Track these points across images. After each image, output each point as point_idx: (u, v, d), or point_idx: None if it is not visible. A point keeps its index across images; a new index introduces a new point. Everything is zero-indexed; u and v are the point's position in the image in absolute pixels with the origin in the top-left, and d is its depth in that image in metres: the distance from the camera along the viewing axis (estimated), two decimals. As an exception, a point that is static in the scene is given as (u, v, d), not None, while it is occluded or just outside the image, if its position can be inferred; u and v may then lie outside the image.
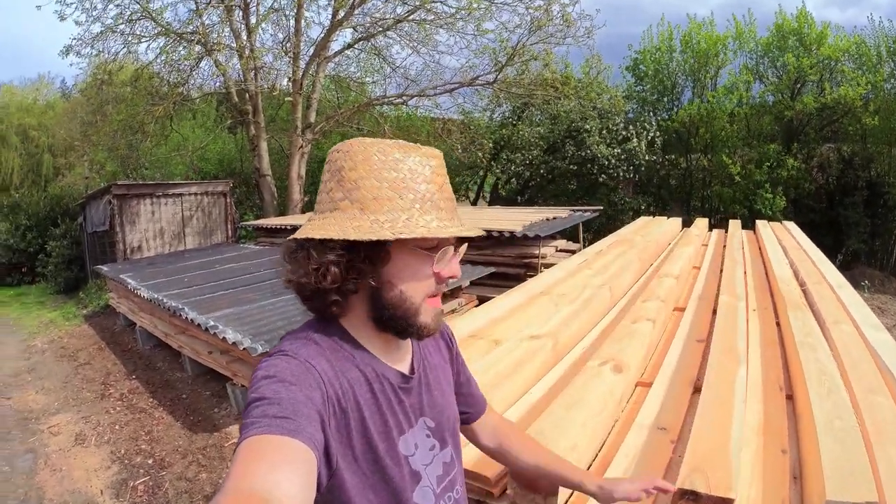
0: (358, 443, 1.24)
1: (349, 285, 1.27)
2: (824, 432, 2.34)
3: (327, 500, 1.20)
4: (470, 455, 2.42)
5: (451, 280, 1.39)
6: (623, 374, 3.09)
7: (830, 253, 19.23)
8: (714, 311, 4.51)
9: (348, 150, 1.30)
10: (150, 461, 6.52)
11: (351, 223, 1.24)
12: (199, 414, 7.49)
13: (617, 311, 4.79)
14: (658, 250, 7.42)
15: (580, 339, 4.04)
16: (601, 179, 19.82)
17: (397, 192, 1.27)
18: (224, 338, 6.61)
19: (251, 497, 0.89)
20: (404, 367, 1.44)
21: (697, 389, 3.05)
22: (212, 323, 7.01)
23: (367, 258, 1.26)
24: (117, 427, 7.41)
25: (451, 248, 1.36)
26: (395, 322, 1.33)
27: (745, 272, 5.96)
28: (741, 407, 2.64)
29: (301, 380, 1.15)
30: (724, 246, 7.65)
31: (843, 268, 18.47)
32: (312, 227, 1.27)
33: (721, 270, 6.06)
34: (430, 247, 1.31)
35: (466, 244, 1.45)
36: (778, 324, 4.33)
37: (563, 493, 2.20)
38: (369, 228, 1.22)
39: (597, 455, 2.56)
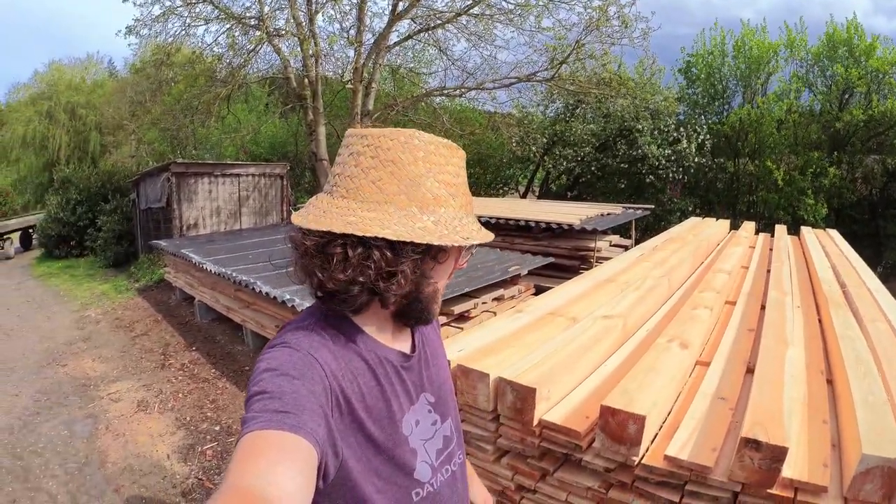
0: (362, 431, 1.27)
1: (408, 287, 1.30)
2: (860, 405, 2.57)
3: (335, 488, 1.23)
4: (559, 411, 2.80)
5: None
6: (688, 351, 3.41)
7: (870, 264, 19.02)
8: (763, 306, 4.72)
9: (407, 142, 1.28)
10: (216, 428, 6.64)
11: (413, 223, 1.24)
12: (263, 385, 7.66)
13: (675, 299, 5.09)
14: (709, 249, 7.68)
15: (645, 322, 4.37)
16: (650, 179, 19.89)
17: (451, 194, 1.31)
18: (303, 309, 6.77)
19: (249, 495, 0.91)
20: (406, 347, 1.49)
21: (750, 370, 3.37)
22: (287, 297, 7.24)
23: (432, 260, 1.32)
24: (181, 395, 7.53)
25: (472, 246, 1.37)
26: (420, 314, 1.41)
27: (790, 273, 6.16)
28: (790, 382, 2.96)
29: (304, 373, 1.17)
30: (771, 249, 7.79)
31: (883, 279, 18.28)
32: (365, 220, 1.23)
33: (768, 270, 6.26)
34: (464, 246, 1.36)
35: None
36: (820, 320, 4.56)
37: (643, 445, 2.50)
38: (436, 231, 1.25)
39: (667, 416, 2.84)
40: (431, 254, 1.30)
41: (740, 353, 3.67)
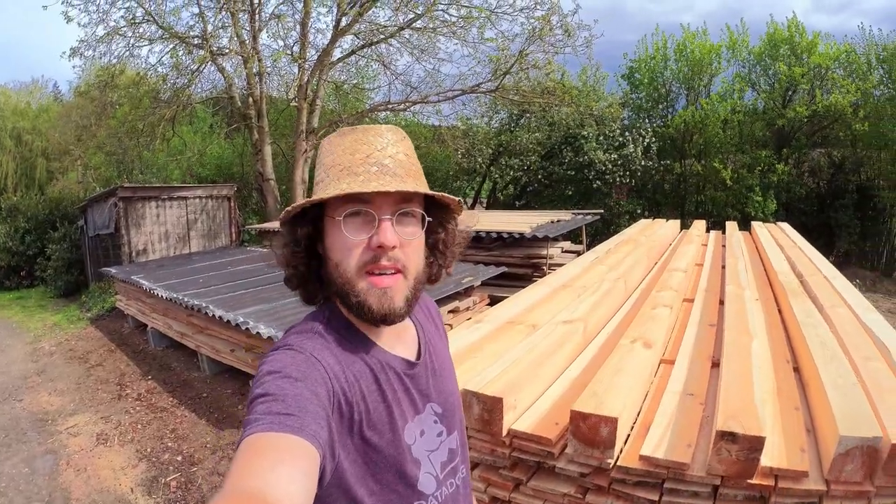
0: (361, 435, 1.26)
1: (296, 262, 1.36)
2: (831, 388, 2.64)
3: (328, 491, 1.20)
4: (528, 419, 2.78)
5: (382, 250, 1.28)
6: (651, 350, 3.44)
7: (823, 254, 19.49)
8: (721, 302, 4.82)
9: (322, 142, 1.41)
10: (178, 458, 6.53)
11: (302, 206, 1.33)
12: (223, 411, 7.58)
13: (632, 301, 5.18)
14: (662, 249, 7.83)
15: (604, 325, 4.42)
16: (597, 185, 20.01)
17: (327, 173, 1.32)
18: (257, 332, 6.74)
19: (250, 497, 0.90)
20: (410, 354, 1.47)
21: (715, 364, 3.43)
22: (241, 319, 7.14)
23: (304, 235, 1.34)
24: (139, 426, 7.40)
25: (374, 214, 1.28)
26: (344, 300, 1.33)
27: (745, 267, 6.20)
28: (759, 372, 2.99)
29: (306, 375, 1.17)
30: (724, 245, 7.93)
31: (836, 268, 18.77)
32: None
33: (723, 266, 6.40)
34: (350, 213, 1.28)
35: (415, 214, 1.35)
36: (780, 310, 4.68)
37: (616, 446, 2.49)
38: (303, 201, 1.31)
39: (638, 416, 2.84)
40: (302, 227, 1.34)
41: (704, 349, 3.73)
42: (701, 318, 4.44)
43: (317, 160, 1.38)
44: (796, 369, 3.39)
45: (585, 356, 3.70)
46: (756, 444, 2.24)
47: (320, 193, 1.27)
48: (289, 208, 1.31)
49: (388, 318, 1.32)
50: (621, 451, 2.54)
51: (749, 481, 2.30)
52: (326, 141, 1.37)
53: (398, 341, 1.45)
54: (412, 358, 1.46)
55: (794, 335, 3.86)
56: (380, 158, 1.31)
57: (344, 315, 1.37)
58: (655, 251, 7.32)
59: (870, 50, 19.49)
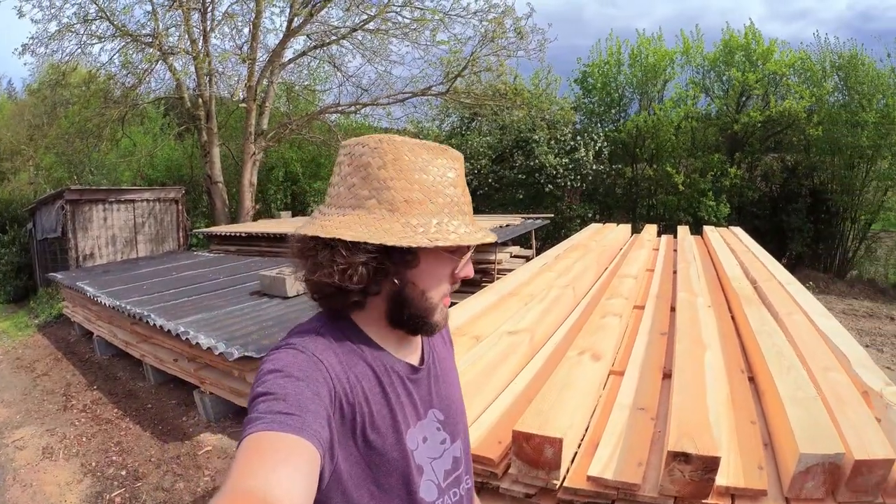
0: (363, 437, 1.24)
1: (374, 287, 1.28)
2: (790, 402, 2.57)
3: (325, 493, 1.19)
4: (471, 437, 2.63)
5: (461, 281, 1.41)
6: (600, 363, 3.32)
7: (775, 257, 19.68)
8: (672, 308, 4.73)
9: (376, 147, 1.28)
10: (123, 472, 6.40)
11: (380, 225, 1.23)
12: (167, 423, 7.44)
13: (581, 309, 5.05)
14: (612, 254, 7.78)
15: (552, 334, 4.29)
16: (548, 188, 20.08)
17: (427, 196, 1.27)
18: (197, 343, 6.59)
19: (250, 497, 0.89)
20: (414, 360, 1.45)
21: (667, 375, 3.32)
22: (182, 329, 7.00)
23: (397, 261, 1.27)
24: (84, 439, 7.26)
25: (469, 251, 1.38)
26: (412, 321, 1.35)
27: (697, 273, 6.17)
28: (713, 384, 2.91)
29: (309, 375, 1.15)
30: (675, 250, 7.88)
31: (788, 271, 18.99)
32: (335, 224, 1.25)
33: (675, 272, 6.34)
34: (453, 250, 1.33)
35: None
36: (733, 317, 4.61)
37: (563, 466, 2.38)
38: (402, 232, 1.22)
39: (585, 434, 2.73)
40: (398, 256, 1.26)
41: (655, 360, 3.63)
42: (652, 326, 4.34)
43: (387, 161, 1.27)
44: (751, 379, 3.33)
45: (532, 368, 3.59)
46: (711, 464, 2.16)
47: (447, 232, 1.27)
48: (394, 231, 1.23)
49: (442, 329, 1.44)
50: (568, 471, 2.45)
51: (705, 502, 2.21)
52: (408, 149, 1.29)
53: (403, 346, 1.43)
54: (416, 363, 1.45)
55: (749, 344, 3.80)
56: (467, 191, 1.38)
57: (348, 317, 1.36)
58: (605, 256, 7.26)
59: (825, 57, 19.76)
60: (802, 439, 2.23)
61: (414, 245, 1.21)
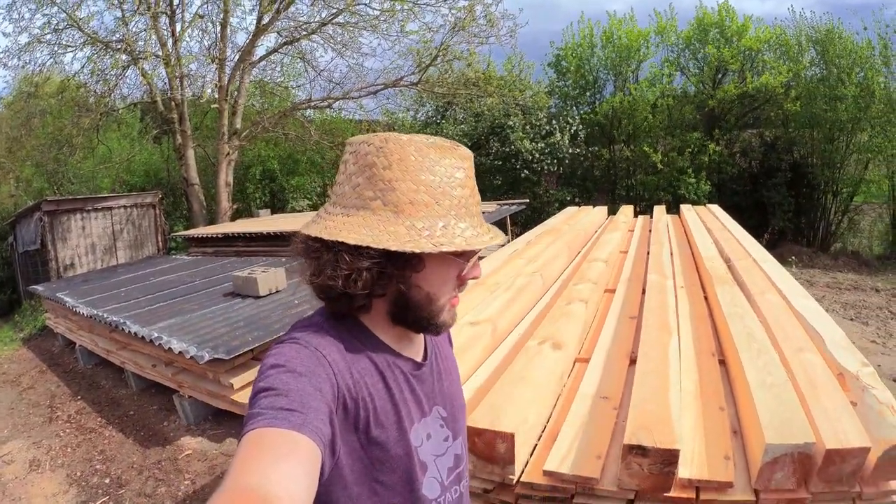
0: (367, 434, 1.24)
1: (378, 290, 1.26)
2: (759, 387, 2.52)
3: (325, 488, 1.18)
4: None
5: (468, 282, 1.39)
6: (562, 351, 3.28)
7: (757, 232, 19.65)
8: (644, 291, 4.69)
9: (381, 147, 1.25)
10: (107, 480, 6.45)
11: (384, 227, 1.21)
12: (148, 429, 7.47)
13: (550, 295, 4.94)
14: (586, 238, 7.65)
15: (517, 324, 4.19)
16: (525, 174, 20.15)
17: (434, 198, 1.24)
18: (169, 348, 6.63)
19: (251, 493, 0.89)
20: (417, 356, 1.44)
21: (634, 361, 3.27)
22: (155, 335, 7.03)
23: (402, 266, 1.25)
24: (69, 449, 7.31)
25: (473, 252, 1.33)
26: (417, 321, 1.34)
27: (671, 253, 6.13)
28: (676, 372, 2.88)
29: (311, 370, 1.14)
30: (650, 231, 7.82)
31: (770, 246, 18.93)
32: (339, 225, 1.23)
33: (648, 253, 6.25)
34: (460, 253, 1.29)
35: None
36: (706, 298, 4.51)
37: (520, 461, 2.36)
38: (406, 236, 1.20)
39: (546, 426, 2.71)
40: (402, 260, 1.24)
41: (622, 345, 3.58)
42: (622, 310, 4.31)
43: (393, 162, 1.23)
44: (722, 362, 3.28)
45: (493, 360, 3.48)
46: (669, 457, 2.13)
47: (453, 236, 1.24)
48: (399, 234, 1.20)
49: (447, 328, 1.41)
50: (526, 465, 2.44)
51: (667, 495, 2.20)
52: (415, 149, 1.25)
53: (406, 342, 1.41)
54: (419, 359, 1.44)
55: (721, 326, 3.72)
56: (475, 191, 1.34)
57: (352, 314, 1.34)
58: (578, 241, 7.14)
59: (800, 31, 19.79)
60: (770, 428, 2.18)
61: (417, 250, 1.19)
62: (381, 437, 1.25)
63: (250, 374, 6.51)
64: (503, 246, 8.78)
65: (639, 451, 2.14)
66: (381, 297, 1.29)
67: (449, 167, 1.26)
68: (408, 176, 1.22)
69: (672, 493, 2.19)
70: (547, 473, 2.30)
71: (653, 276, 4.87)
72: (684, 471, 2.21)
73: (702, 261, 5.48)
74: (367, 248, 1.18)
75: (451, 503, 1.45)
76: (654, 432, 2.20)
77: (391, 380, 1.31)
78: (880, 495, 2.15)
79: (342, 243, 1.19)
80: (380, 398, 1.27)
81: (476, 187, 1.34)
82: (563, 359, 3.27)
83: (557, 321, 3.82)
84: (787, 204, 19.35)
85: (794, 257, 16.86)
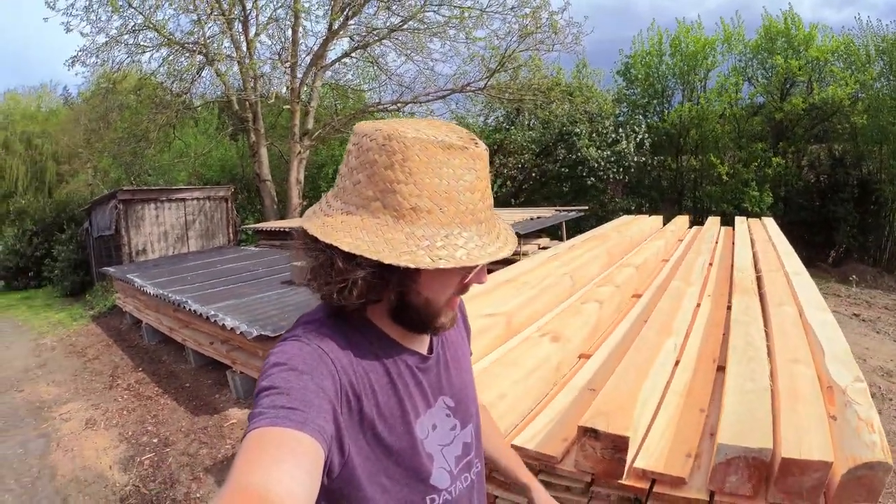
0: (372, 429, 1.22)
1: (374, 296, 1.21)
2: (734, 392, 2.55)
3: (337, 486, 1.19)
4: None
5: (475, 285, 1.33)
6: (560, 344, 3.39)
7: (823, 249, 19.43)
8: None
9: (384, 145, 1.15)
10: (155, 440, 6.89)
11: (382, 233, 1.14)
12: (200, 399, 7.88)
13: (577, 297, 4.88)
14: (631, 246, 7.52)
15: (536, 320, 4.21)
16: (591, 181, 20.14)
17: (437, 204, 1.15)
18: (223, 325, 7.05)
19: (252, 493, 0.89)
20: (422, 348, 1.41)
21: (630, 360, 3.24)
22: (212, 312, 7.49)
23: (399, 274, 1.18)
24: (125, 412, 7.76)
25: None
26: (415, 323, 1.31)
27: (710, 263, 6.13)
28: (660, 371, 2.95)
29: (313, 368, 1.13)
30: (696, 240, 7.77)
31: (835, 264, 18.66)
32: (336, 224, 1.18)
33: (682, 262, 6.18)
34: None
35: None
36: (729, 307, 4.40)
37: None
38: (404, 245, 1.12)
39: (531, 410, 2.86)
40: (399, 269, 1.15)
41: (625, 345, 3.59)
42: (640, 314, 4.38)
43: (395, 161, 1.14)
44: (722, 368, 3.20)
45: (500, 351, 3.51)
46: (619, 443, 2.18)
47: (455, 248, 1.16)
48: (396, 242, 1.13)
49: (448, 330, 1.38)
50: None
51: (620, 482, 2.24)
52: (420, 148, 1.15)
53: (410, 335, 1.37)
54: (424, 351, 1.40)
55: (727, 333, 3.68)
56: (487, 193, 1.25)
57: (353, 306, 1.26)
58: (622, 248, 7.06)
59: (869, 41, 19.38)
60: (728, 430, 2.18)
61: (412, 265, 1.12)
62: (386, 432, 1.25)
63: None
64: (546, 248, 8.86)
65: (592, 434, 2.21)
66: (377, 302, 1.24)
67: (457, 169, 1.17)
68: (410, 178, 1.14)
69: (627, 481, 2.23)
70: (514, 447, 2.39)
71: (676, 283, 4.85)
72: (640, 461, 2.26)
73: (735, 272, 5.44)
74: (362, 256, 1.13)
75: (462, 491, 1.44)
76: (610, 418, 2.26)
77: (395, 374, 1.30)
78: (849, 518, 2.03)
79: (336, 247, 1.14)
80: (384, 393, 1.25)
81: (488, 189, 1.25)
82: (559, 350, 3.34)
83: (566, 318, 3.91)
84: (853, 220, 18.93)
85: (855, 276, 16.39)
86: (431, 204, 1.15)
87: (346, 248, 1.12)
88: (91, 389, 8.84)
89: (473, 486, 1.49)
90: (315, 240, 1.18)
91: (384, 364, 1.28)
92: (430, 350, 1.42)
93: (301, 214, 17.57)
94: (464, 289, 1.31)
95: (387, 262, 1.10)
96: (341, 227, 1.16)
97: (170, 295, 8.94)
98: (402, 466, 1.28)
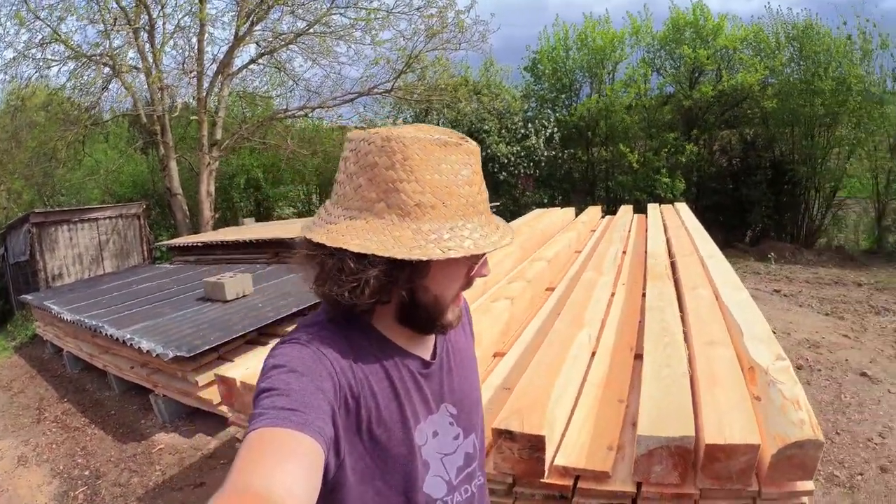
0: (370, 432, 1.23)
1: (384, 297, 1.23)
2: (651, 380, 2.58)
3: (330, 488, 1.18)
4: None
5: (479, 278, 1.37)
6: None
7: (739, 231, 19.99)
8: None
9: (383, 146, 1.18)
10: (86, 473, 6.80)
11: (390, 232, 1.16)
12: (127, 426, 7.78)
13: (487, 296, 4.79)
14: (543, 239, 7.58)
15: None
16: (502, 177, 20.43)
17: (440, 198, 1.19)
18: (139, 348, 6.97)
19: (252, 494, 0.88)
20: (426, 353, 1.41)
21: (547, 356, 3.27)
22: (128, 336, 7.38)
23: (409, 271, 1.21)
24: (54, 446, 7.64)
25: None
26: (423, 323, 1.33)
27: (623, 251, 6.23)
28: (574, 364, 2.97)
29: (312, 370, 1.14)
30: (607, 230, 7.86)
31: (753, 244, 19.21)
32: (342, 229, 1.18)
33: (595, 252, 6.30)
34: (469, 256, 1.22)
35: None
36: (644, 295, 4.55)
37: None
38: (413, 240, 1.15)
39: None
40: (410, 265, 1.19)
41: (538, 340, 3.64)
42: (553, 308, 4.44)
43: (396, 161, 1.17)
44: (639, 356, 3.25)
45: None
46: (536, 442, 2.18)
47: (462, 238, 1.20)
48: (405, 239, 1.15)
49: (454, 328, 1.39)
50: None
51: (543, 481, 2.25)
52: (419, 147, 1.18)
53: (414, 340, 1.39)
54: (427, 357, 1.41)
55: (642, 321, 3.77)
56: (483, 187, 1.31)
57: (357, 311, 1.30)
58: (534, 242, 7.06)
59: (779, 29, 19.92)
60: (646, 420, 2.20)
61: (425, 258, 1.14)
62: (383, 436, 1.25)
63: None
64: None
65: (507, 435, 2.22)
66: (386, 303, 1.26)
67: (454, 164, 1.21)
68: (412, 176, 1.17)
69: (549, 480, 2.25)
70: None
71: (588, 274, 4.94)
72: (560, 458, 2.29)
73: (649, 259, 5.56)
74: (373, 255, 1.15)
75: (461, 503, 1.44)
76: (524, 417, 2.27)
77: (397, 379, 1.30)
78: (784, 496, 2.10)
79: (346, 250, 1.15)
80: (384, 397, 1.26)
81: (483, 182, 1.30)
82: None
83: (477, 317, 3.73)
84: (767, 200, 19.52)
85: (773, 254, 16.93)
86: (435, 199, 1.18)
87: (356, 250, 1.14)
88: (20, 425, 8.67)
89: (474, 498, 1.49)
90: (321, 247, 1.19)
91: (385, 368, 1.29)
92: (434, 356, 1.43)
93: (214, 227, 17.59)
94: (469, 283, 1.35)
95: (399, 257, 1.13)
96: (347, 231, 1.17)
97: (86, 320, 8.78)
98: (396, 472, 1.29)
